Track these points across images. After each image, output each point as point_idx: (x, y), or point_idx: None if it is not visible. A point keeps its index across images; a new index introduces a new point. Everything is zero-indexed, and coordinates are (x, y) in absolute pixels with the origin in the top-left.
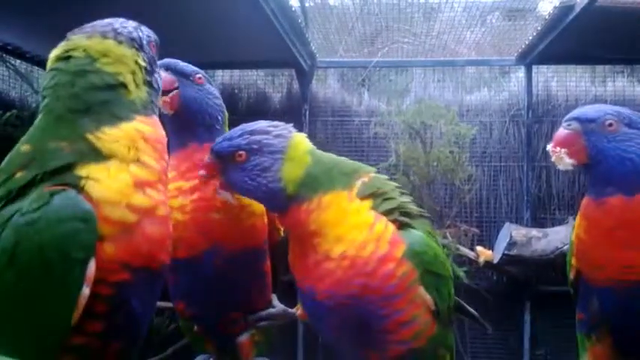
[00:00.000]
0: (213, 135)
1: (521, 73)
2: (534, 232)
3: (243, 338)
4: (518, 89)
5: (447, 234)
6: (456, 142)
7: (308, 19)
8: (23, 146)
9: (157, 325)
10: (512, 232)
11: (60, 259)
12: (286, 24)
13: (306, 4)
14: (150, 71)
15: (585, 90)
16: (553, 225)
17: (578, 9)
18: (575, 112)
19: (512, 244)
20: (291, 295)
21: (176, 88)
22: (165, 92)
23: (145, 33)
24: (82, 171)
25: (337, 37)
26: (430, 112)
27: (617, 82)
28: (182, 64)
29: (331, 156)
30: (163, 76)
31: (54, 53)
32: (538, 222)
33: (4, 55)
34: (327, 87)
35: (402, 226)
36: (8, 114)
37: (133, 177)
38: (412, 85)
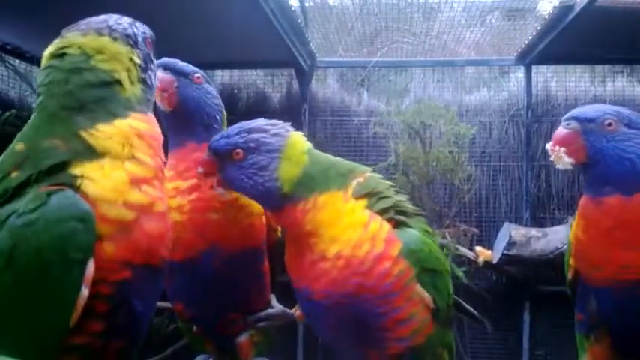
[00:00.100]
0: (212, 134)
1: (520, 73)
2: (533, 231)
3: (243, 338)
4: (518, 89)
5: (447, 234)
6: (456, 142)
7: (307, 19)
8: (18, 145)
9: (157, 325)
10: (512, 231)
11: (58, 260)
12: (286, 24)
13: (306, 4)
14: (144, 68)
15: (585, 90)
16: (552, 225)
17: (577, 9)
18: (574, 112)
19: (511, 243)
20: (290, 295)
21: (176, 88)
22: (165, 92)
23: (141, 29)
24: (77, 170)
25: (337, 37)
26: (429, 112)
27: (617, 82)
28: (181, 64)
29: (328, 156)
30: (163, 76)
31: (48, 51)
32: (537, 222)
33: (3, 54)
34: (326, 87)
35: (397, 224)
36: (7, 114)
37: (128, 174)
38: (412, 85)
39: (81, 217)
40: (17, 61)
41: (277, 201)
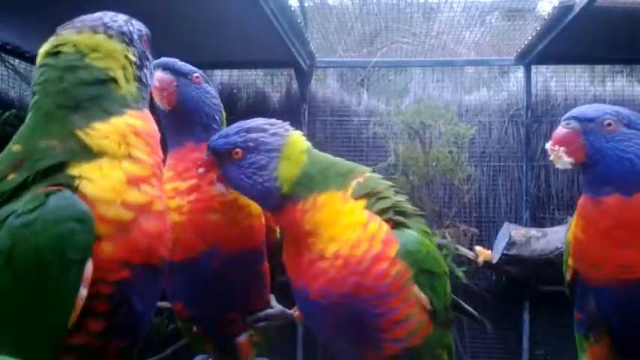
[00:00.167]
0: (211, 134)
1: (520, 73)
2: (533, 231)
3: (242, 339)
4: (518, 89)
5: (446, 234)
6: (455, 142)
7: (307, 19)
8: (14, 146)
9: (157, 325)
10: (512, 231)
11: (56, 260)
12: (285, 24)
13: (306, 4)
14: (140, 66)
15: (584, 90)
16: (552, 225)
17: (577, 9)
18: (574, 111)
19: (511, 243)
20: (289, 295)
21: (175, 87)
22: (164, 92)
23: (136, 27)
24: (74, 170)
25: (336, 37)
26: (429, 112)
27: (617, 82)
28: (180, 63)
29: (327, 156)
30: (162, 76)
31: (43, 49)
32: (537, 222)
33: (3, 54)
34: (326, 87)
35: (396, 225)
36: (7, 113)
37: (126, 174)
38: (411, 85)
39: (79, 217)
40: (17, 60)
41: (276, 200)
